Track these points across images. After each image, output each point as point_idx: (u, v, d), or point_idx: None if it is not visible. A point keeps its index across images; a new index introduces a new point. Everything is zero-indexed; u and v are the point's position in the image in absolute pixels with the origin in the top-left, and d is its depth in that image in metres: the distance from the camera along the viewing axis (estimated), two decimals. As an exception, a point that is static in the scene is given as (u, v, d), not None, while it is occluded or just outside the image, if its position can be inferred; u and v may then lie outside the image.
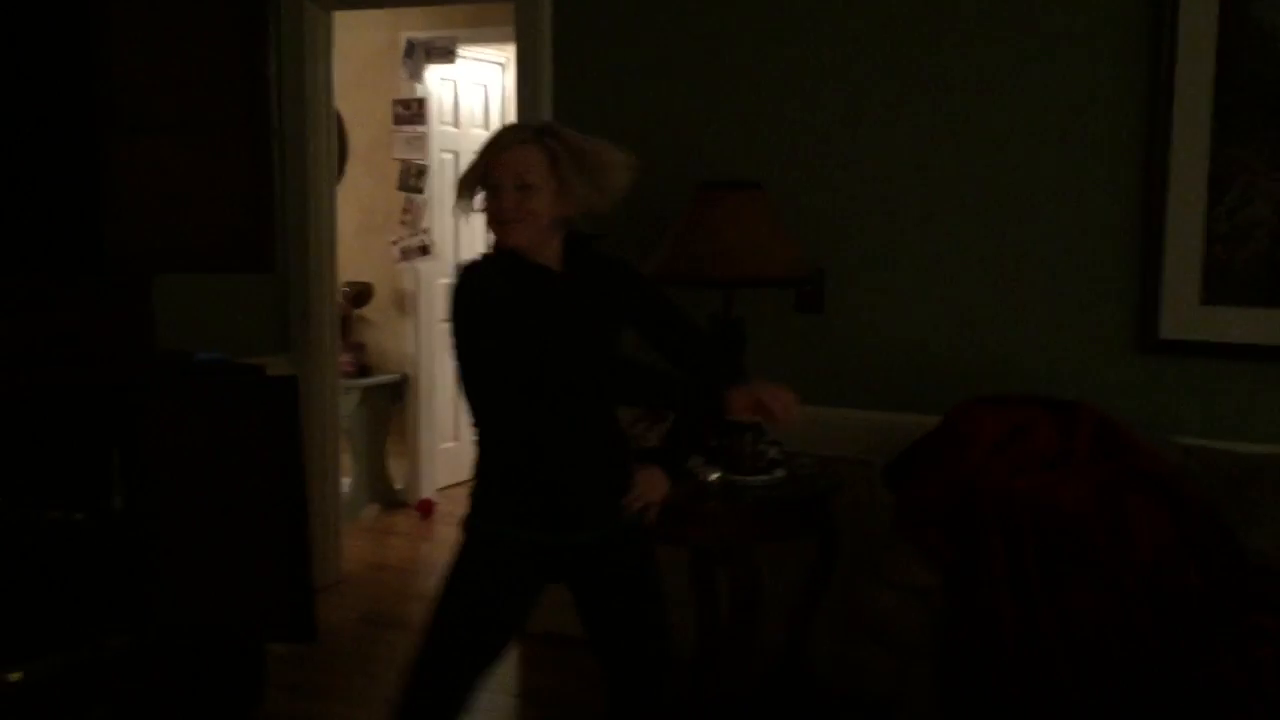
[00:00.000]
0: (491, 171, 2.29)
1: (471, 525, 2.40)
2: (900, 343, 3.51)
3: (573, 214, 2.33)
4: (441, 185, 5.78)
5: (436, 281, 5.81)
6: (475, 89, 5.99)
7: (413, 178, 5.69)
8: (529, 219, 2.27)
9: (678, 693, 2.59)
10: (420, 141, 5.65)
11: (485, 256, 2.37)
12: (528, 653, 4.04)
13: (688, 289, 3.51)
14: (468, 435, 6.08)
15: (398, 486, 5.81)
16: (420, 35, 5.60)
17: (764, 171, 3.52)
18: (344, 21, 4.67)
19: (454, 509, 5.76)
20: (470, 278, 2.31)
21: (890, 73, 3.46)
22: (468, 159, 6.32)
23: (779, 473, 3.17)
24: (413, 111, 5.64)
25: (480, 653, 2.38)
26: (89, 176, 3.10)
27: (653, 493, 2.44)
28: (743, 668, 3.15)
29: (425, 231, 5.69)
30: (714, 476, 3.11)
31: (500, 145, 2.31)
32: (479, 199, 2.33)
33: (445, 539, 5.40)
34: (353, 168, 5.77)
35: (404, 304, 5.80)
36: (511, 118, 5.91)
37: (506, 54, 5.93)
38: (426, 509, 5.67)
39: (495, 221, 2.30)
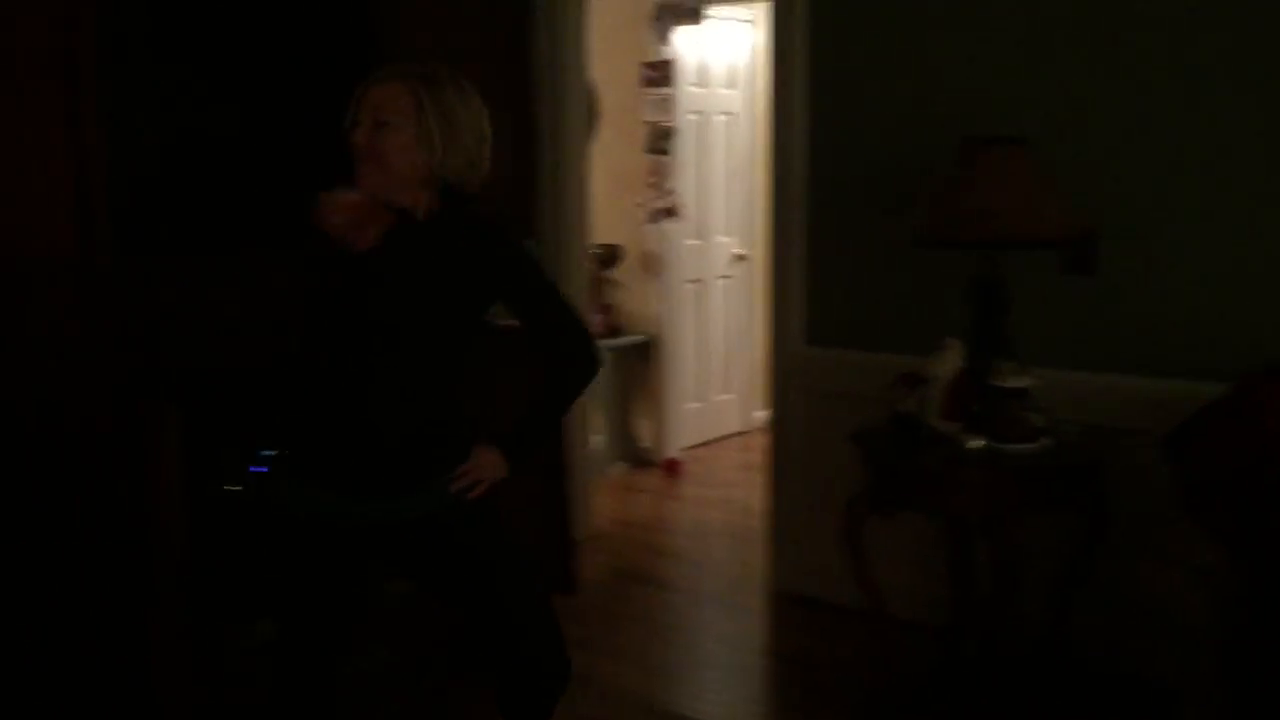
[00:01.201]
0: (358, 107, 2.15)
1: (275, 497, 2.25)
2: (1178, 305, 3.29)
3: (437, 173, 2.17)
4: (688, 147, 5.82)
5: (683, 243, 5.86)
6: (723, 49, 5.98)
7: (660, 140, 5.74)
8: (380, 160, 2.12)
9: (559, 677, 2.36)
10: (668, 103, 5.69)
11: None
12: (776, 613, 4.07)
13: (948, 250, 3.41)
14: (712, 396, 6.20)
15: (644, 445, 5.93)
16: (669, -3, 5.62)
17: (1030, 125, 3.36)
18: (595, -15, 4.74)
19: (699, 469, 5.85)
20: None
21: (1165, 14, 3.23)
22: (714, 120, 6.37)
23: (1044, 440, 3.05)
24: (661, 74, 5.68)
25: (314, 634, 2.27)
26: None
27: (481, 473, 2.25)
28: (1001, 642, 3.06)
29: (672, 193, 5.74)
30: (975, 443, 3.01)
31: (371, 80, 2.17)
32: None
33: (691, 497, 5.49)
34: (602, 131, 5.87)
35: (650, 265, 5.88)
36: (760, 75, 5.90)
37: (754, 11, 5.89)
38: (673, 468, 5.77)
39: (354, 159, 2.15)
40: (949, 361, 3.15)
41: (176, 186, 3.12)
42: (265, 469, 2.28)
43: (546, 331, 2.31)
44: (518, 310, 2.28)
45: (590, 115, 5.08)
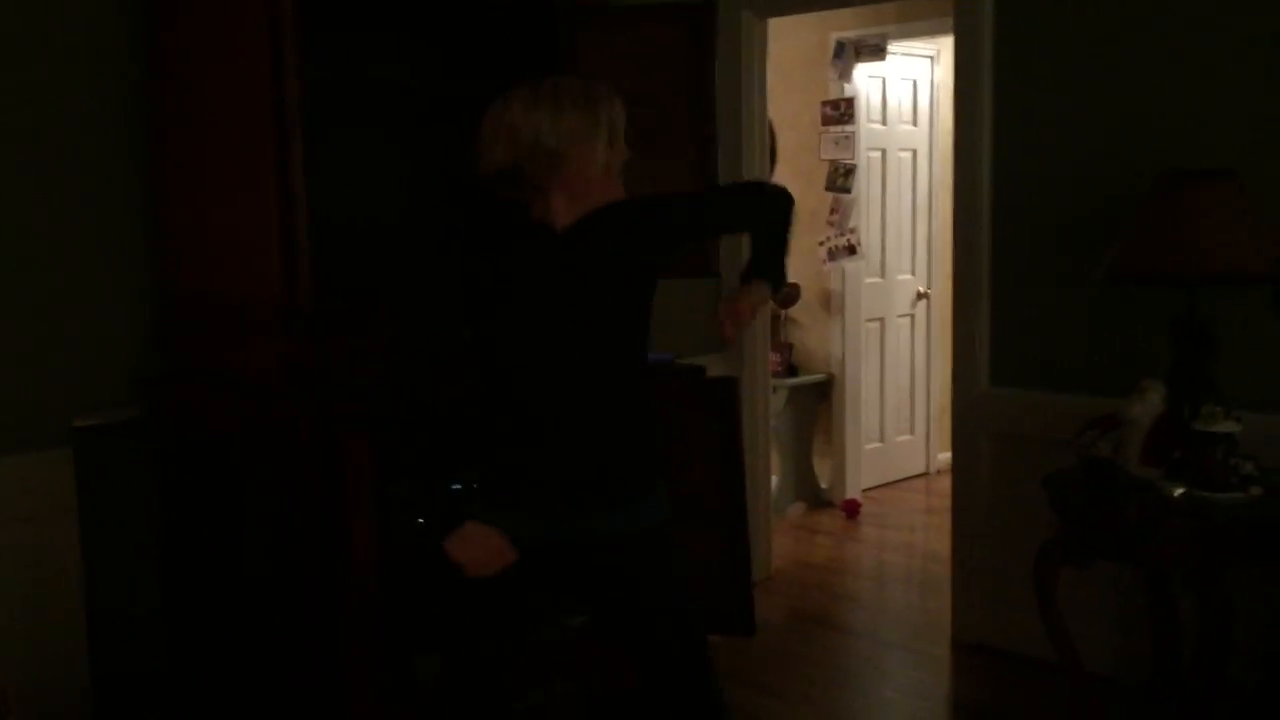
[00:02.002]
0: (620, 124, 2.26)
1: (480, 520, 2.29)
2: (1407, 346, 3.06)
3: None
4: (869, 184, 5.75)
5: (863, 281, 5.79)
6: (903, 84, 5.91)
7: (840, 177, 5.70)
8: None
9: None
10: (848, 141, 5.65)
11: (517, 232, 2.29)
12: (960, 663, 3.94)
13: (1147, 286, 3.27)
14: (893, 437, 6.08)
15: (823, 485, 5.85)
16: (850, 35, 5.59)
17: (1234, 158, 3.19)
18: (774, 25, 4.75)
19: (879, 511, 5.73)
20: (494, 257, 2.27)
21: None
22: (894, 157, 6.30)
23: (1255, 489, 2.87)
24: (841, 111, 5.64)
25: (486, 659, 2.34)
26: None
27: (750, 300, 2.34)
28: (1208, 706, 2.88)
29: (852, 231, 5.68)
30: (1176, 491, 2.86)
31: (614, 97, 2.27)
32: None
33: (871, 540, 5.38)
34: (780, 170, 5.87)
35: (830, 304, 5.82)
36: (942, 110, 5.80)
37: (936, 46, 5.81)
38: (852, 509, 5.67)
39: (619, 173, 2.26)
40: (1149, 404, 3.00)
41: (371, 233, 3.27)
42: (453, 499, 2.34)
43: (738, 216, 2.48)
44: (691, 237, 2.48)
45: (769, 153, 5.08)
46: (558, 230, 2.21)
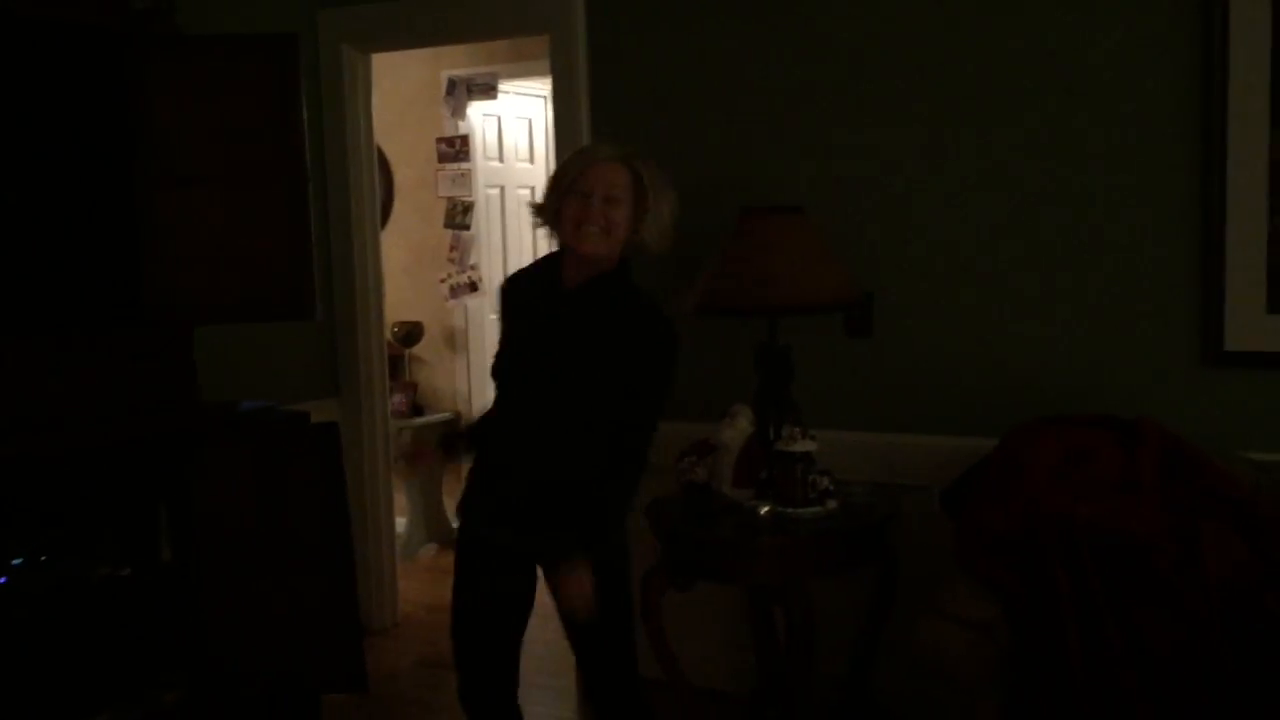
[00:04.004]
0: (583, 180, 2.39)
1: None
2: (954, 364, 3.40)
3: (634, 242, 2.46)
4: (488, 221, 5.78)
5: (486, 318, 5.80)
6: (518, 123, 6.00)
7: (459, 215, 5.70)
8: (610, 230, 2.40)
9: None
10: (465, 178, 5.66)
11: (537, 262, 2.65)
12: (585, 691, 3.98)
13: (731, 318, 3.45)
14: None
15: (455, 524, 5.78)
16: (461, 73, 5.62)
17: (806, 195, 3.45)
18: (385, 62, 4.69)
19: (512, 545, 5.72)
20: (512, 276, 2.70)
21: (931, 93, 3.38)
22: (514, 194, 6.34)
23: (831, 503, 3.08)
24: (456, 149, 5.65)
25: (485, 633, 2.58)
26: (128, 230, 3.12)
27: (576, 598, 2.43)
28: (802, 704, 3.05)
29: (473, 268, 5.69)
30: (764, 510, 3.02)
31: (595, 156, 2.44)
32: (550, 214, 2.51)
33: (503, 576, 5.35)
34: (399, 207, 5.80)
35: (454, 341, 5.79)
36: (554, 150, 5.93)
37: (548, 87, 5.93)
38: (484, 546, 5.63)
39: (575, 225, 2.40)
40: (738, 428, 3.16)
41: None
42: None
43: (620, 422, 2.47)
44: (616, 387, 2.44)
45: (385, 191, 5.00)
46: (567, 282, 2.48)
